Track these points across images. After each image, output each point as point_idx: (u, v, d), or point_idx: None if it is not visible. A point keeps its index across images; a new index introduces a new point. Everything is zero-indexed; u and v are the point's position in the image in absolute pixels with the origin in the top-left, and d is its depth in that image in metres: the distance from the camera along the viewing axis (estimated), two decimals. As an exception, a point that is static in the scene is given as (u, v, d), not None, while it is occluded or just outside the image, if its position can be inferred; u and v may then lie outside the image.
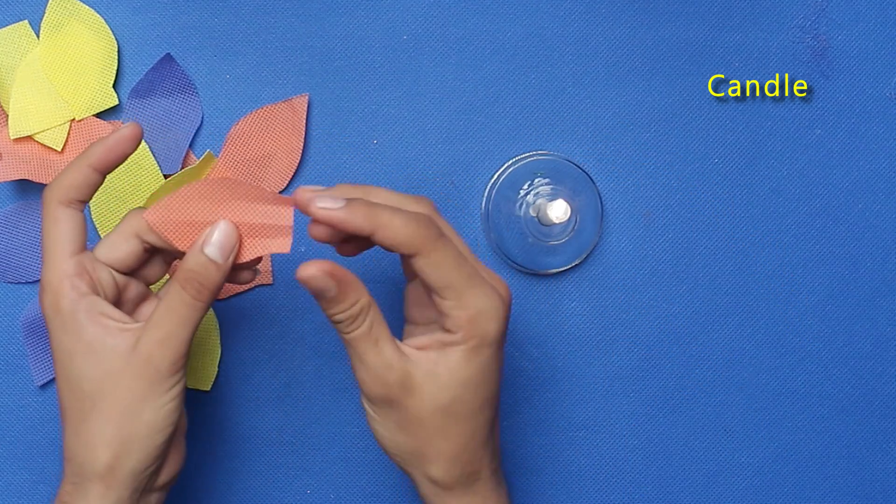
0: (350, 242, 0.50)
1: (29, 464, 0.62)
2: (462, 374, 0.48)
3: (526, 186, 0.61)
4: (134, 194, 0.61)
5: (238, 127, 0.62)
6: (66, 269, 0.48)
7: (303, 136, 0.62)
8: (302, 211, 0.48)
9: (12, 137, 0.60)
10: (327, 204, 0.46)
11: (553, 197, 0.59)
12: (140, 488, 0.49)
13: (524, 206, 0.61)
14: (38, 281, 0.62)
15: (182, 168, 0.61)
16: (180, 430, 0.50)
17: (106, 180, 0.61)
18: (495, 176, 0.62)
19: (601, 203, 0.62)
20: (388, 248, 0.47)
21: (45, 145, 0.60)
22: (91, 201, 0.61)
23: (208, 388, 0.62)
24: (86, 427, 0.48)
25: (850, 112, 0.64)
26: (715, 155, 0.64)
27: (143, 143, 0.61)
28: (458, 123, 0.63)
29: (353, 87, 0.62)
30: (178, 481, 0.61)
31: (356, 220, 0.46)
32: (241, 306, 0.62)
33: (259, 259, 0.50)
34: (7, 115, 0.60)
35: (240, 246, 0.49)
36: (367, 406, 0.50)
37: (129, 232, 0.50)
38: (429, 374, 0.48)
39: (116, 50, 0.62)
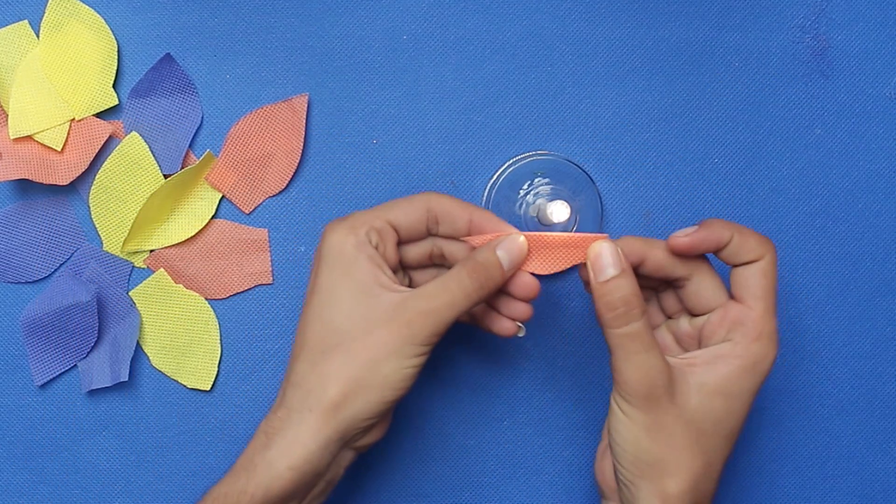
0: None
1: (29, 464, 0.62)
2: (730, 388, 0.50)
3: (526, 186, 0.61)
4: (134, 194, 0.61)
5: (238, 127, 0.62)
6: (375, 223, 0.51)
7: (303, 136, 0.62)
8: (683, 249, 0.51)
9: (12, 137, 0.60)
10: (686, 231, 0.51)
11: (553, 197, 0.59)
12: (348, 438, 0.50)
13: (524, 206, 0.61)
14: (37, 281, 0.62)
15: (182, 168, 0.61)
16: (400, 400, 0.51)
17: (106, 181, 0.61)
18: (495, 176, 0.62)
19: (601, 203, 0.62)
20: (733, 256, 0.51)
21: (45, 145, 0.60)
22: (91, 201, 0.61)
23: (208, 388, 0.62)
24: (325, 360, 0.49)
25: (850, 112, 0.64)
26: (715, 155, 0.64)
27: (142, 143, 0.61)
28: (458, 123, 0.63)
29: (353, 87, 0.63)
30: (178, 482, 0.61)
31: (717, 233, 0.51)
32: (241, 306, 0.62)
33: (530, 312, 0.54)
34: (7, 115, 0.60)
35: (539, 257, 0.52)
36: (618, 404, 0.50)
37: (423, 202, 0.53)
38: (696, 384, 0.50)
39: (116, 50, 0.62)
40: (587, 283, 0.51)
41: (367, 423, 0.50)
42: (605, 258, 0.50)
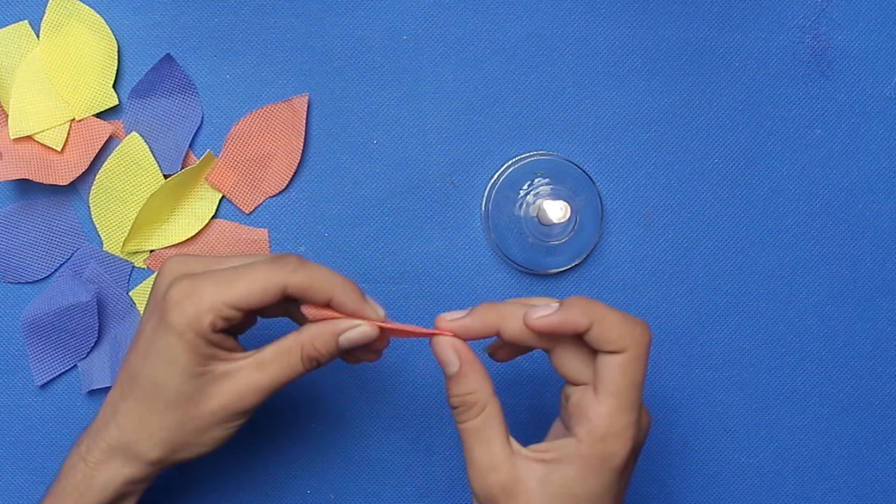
0: (505, 348, 0.52)
1: (29, 464, 0.62)
2: (574, 490, 0.47)
3: (526, 186, 0.61)
4: (134, 194, 0.61)
5: (238, 127, 0.62)
6: (222, 311, 0.48)
7: (303, 136, 0.62)
8: (487, 333, 0.49)
9: (12, 137, 0.60)
10: (542, 312, 0.47)
11: (553, 197, 0.59)
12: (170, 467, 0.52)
13: (524, 206, 0.61)
14: (37, 281, 0.62)
15: (182, 168, 0.61)
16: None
17: (106, 181, 0.61)
18: (495, 176, 0.62)
19: (601, 203, 0.62)
20: (594, 344, 0.47)
21: (45, 145, 0.60)
22: (91, 201, 0.61)
23: (208, 388, 0.62)
24: (153, 420, 0.49)
25: (850, 112, 0.64)
26: (715, 155, 0.64)
27: (142, 143, 0.61)
28: (458, 123, 0.63)
29: (353, 87, 0.63)
30: (178, 482, 0.61)
31: (573, 317, 0.47)
32: (241, 306, 0.62)
33: (387, 343, 0.52)
34: (7, 115, 0.60)
35: (389, 333, 0.51)
36: (473, 501, 0.50)
37: (277, 285, 0.48)
38: (540, 481, 0.47)
39: (116, 50, 0.62)
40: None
41: (185, 462, 0.52)
42: (444, 356, 0.49)
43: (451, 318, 0.49)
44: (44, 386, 0.62)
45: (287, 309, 0.52)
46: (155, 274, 0.61)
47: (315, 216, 0.62)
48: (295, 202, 0.62)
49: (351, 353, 0.52)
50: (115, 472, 0.50)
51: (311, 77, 0.62)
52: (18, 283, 0.62)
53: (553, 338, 0.49)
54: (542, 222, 0.59)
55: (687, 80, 0.63)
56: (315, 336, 0.50)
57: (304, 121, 0.62)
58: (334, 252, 0.62)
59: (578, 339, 0.48)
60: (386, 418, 0.62)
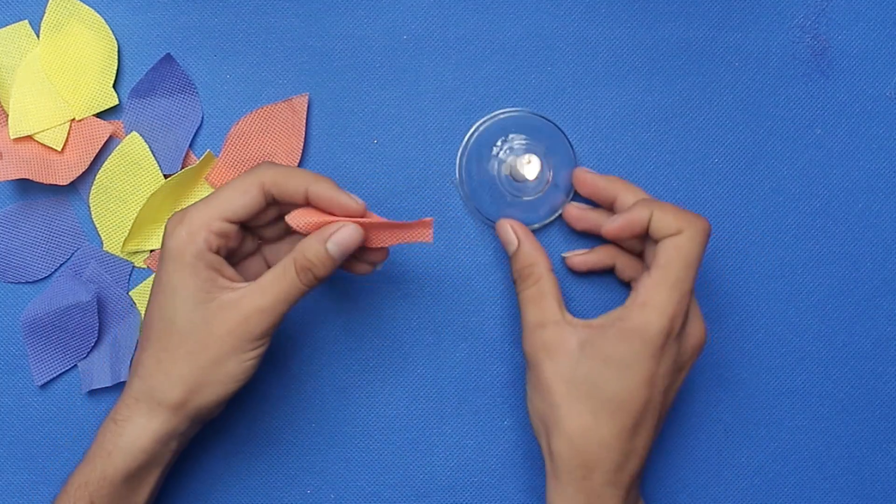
0: (583, 255, 0.60)
1: (29, 464, 0.62)
2: (605, 352, 0.52)
3: (499, 143, 0.61)
4: (134, 194, 0.61)
5: (238, 127, 0.62)
6: (213, 226, 0.51)
7: (303, 136, 0.62)
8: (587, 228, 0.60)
9: (12, 137, 0.60)
10: (614, 220, 0.55)
11: (524, 152, 0.59)
12: (194, 422, 0.52)
13: (497, 164, 0.61)
14: (37, 281, 0.62)
15: (182, 168, 0.61)
16: (244, 385, 0.53)
17: (106, 181, 0.61)
18: (468, 134, 0.62)
19: (574, 156, 0.62)
20: (655, 232, 0.53)
21: (45, 145, 0.60)
22: (91, 201, 0.61)
23: (208, 388, 0.62)
24: (169, 358, 0.51)
25: (850, 112, 0.64)
26: (715, 155, 0.64)
27: (143, 143, 0.61)
28: (458, 123, 0.63)
29: (353, 87, 0.63)
30: (178, 481, 0.61)
31: (636, 212, 0.54)
32: (241, 306, 0.62)
33: (386, 254, 0.54)
34: (7, 115, 0.60)
35: (377, 234, 0.52)
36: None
37: (254, 183, 0.51)
38: (581, 344, 0.53)
39: (116, 50, 0.62)
40: None
41: (211, 411, 0.52)
42: (505, 235, 0.58)
43: (587, 171, 0.59)
44: (44, 386, 0.62)
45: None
46: (154, 274, 0.61)
47: (315, 216, 0.62)
48: (295, 202, 0.62)
49: (351, 264, 0.55)
50: (142, 428, 0.51)
51: (311, 77, 0.62)
52: (18, 283, 0.62)
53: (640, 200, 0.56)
54: (515, 179, 0.60)
55: (687, 80, 0.63)
56: (305, 247, 0.51)
57: (304, 121, 0.62)
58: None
59: (659, 202, 0.55)
60: (386, 418, 0.62)
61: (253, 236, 0.56)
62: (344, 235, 0.51)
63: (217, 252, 0.51)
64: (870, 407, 0.64)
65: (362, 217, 0.52)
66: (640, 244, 0.58)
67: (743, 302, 0.63)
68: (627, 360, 0.51)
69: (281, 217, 0.54)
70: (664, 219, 0.53)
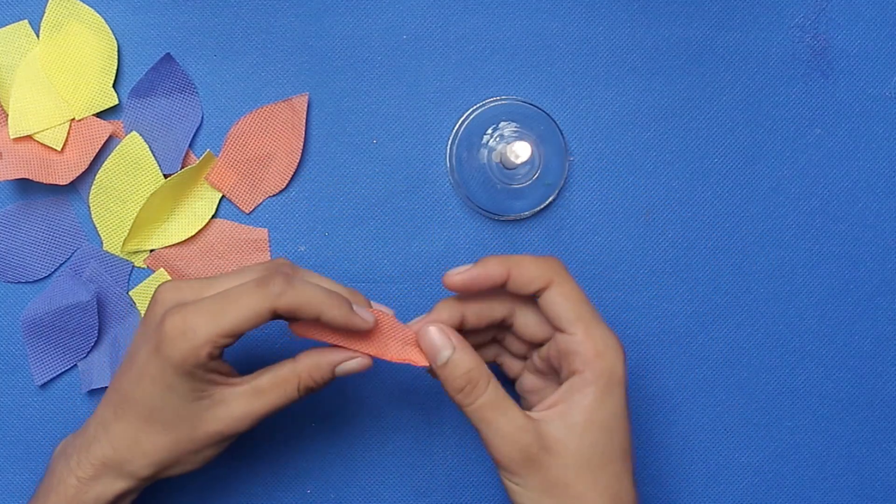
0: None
1: (29, 464, 0.61)
2: (599, 416, 0.49)
3: (490, 131, 0.61)
4: (134, 194, 0.61)
5: (238, 127, 0.62)
6: (218, 341, 0.48)
7: (302, 136, 0.62)
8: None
9: (12, 137, 0.60)
10: (458, 270, 0.51)
11: (515, 139, 0.59)
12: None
13: (488, 153, 0.61)
14: (37, 280, 0.62)
15: (182, 168, 0.61)
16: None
17: (106, 181, 0.61)
18: (459, 122, 0.62)
19: (565, 144, 0.62)
20: (520, 289, 0.50)
21: (45, 145, 0.60)
22: (91, 201, 0.61)
23: (208, 388, 0.62)
24: (148, 440, 0.50)
25: (850, 112, 0.64)
26: (715, 154, 0.64)
27: (142, 142, 0.61)
28: (457, 123, 0.63)
29: (353, 87, 0.63)
30: (178, 483, 0.61)
31: (491, 269, 0.50)
32: (241, 306, 0.62)
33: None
34: (7, 115, 0.60)
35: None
36: (506, 479, 0.50)
37: (266, 309, 0.49)
38: (565, 427, 0.49)
39: (116, 50, 0.62)
40: (432, 372, 0.52)
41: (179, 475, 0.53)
42: (435, 342, 0.50)
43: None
44: (44, 386, 0.62)
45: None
46: (154, 274, 0.61)
47: (315, 216, 0.62)
48: (295, 202, 0.62)
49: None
50: (107, 487, 0.51)
51: (311, 77, 0.62)
52: (18, 282, 0.62)
53: (504, 301, 0.52)
54: (506, 167, 0.60)
55: (687, 80, 0.63)
56: (312, 367, 0.51)
57: (304, 120, 0.62)
58: (334, 252, 0.62)
59: (533, 303, 0.52)
60: (386, 418, 0.62)
61: None
62: (353, 366, 0.51)
63: (217, 358, 0.50)
64: (870, 407, 0.64)
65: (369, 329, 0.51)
66: (493, 309, 0.53)
67: (743, 302, 0.63)
68: (619, 412, 0.49)
69: None
70: (526, 274, 0.50)
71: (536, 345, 0.54)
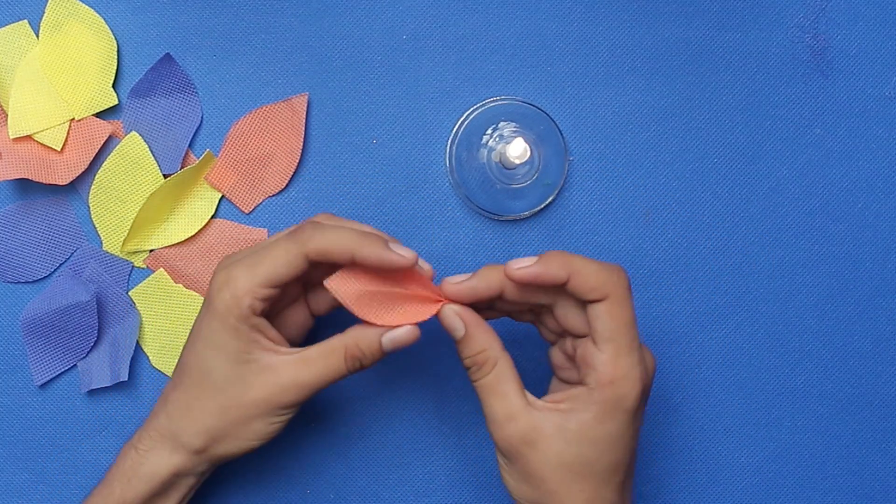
0: (492, 310, 0.54)
1: (29, 464, 0.62)
2: (591, 434, 0.49)
3: (490, 131, 0.61)
4: (134, 194, 0.61)
5: (238, 127, 0.62)
6: (257, 292, 0.50)
7: (302, 136, 0.62)
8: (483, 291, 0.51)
9: (12, 137, 0.60)
10: (522, 263, 0.50)
11: (514, 138, 0.59)
12: (215, 464, 0.54)
13: (487, 152, 0.61)
14: (37, 281, 0.62)
15: (181, 168, 0.61)
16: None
17: (105, 181, 0.61)
18: (459, 122, 0.62)
19: (565, 144, 0.62)
20: (576, 294, 0.50)
21: (44, 145, 0.60)
22: (91, 201, 0.61)
23: (208, 388, 0.62)
24: (200, 407, 0.52)
25: (850, 112, 0.64)
26: (715, 154, 0.64)
27: (142, 142, 0.61)
28: (457, 123, 0.63)
29: (353, 87, 0.63)
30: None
31: (553, 271, 0.50)
32: (241, 306, 0.62)
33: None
34: (7, 115, 0.60)
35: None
36: (497, 454, 0.52)
37: (299, 252, 0.50)
38: (558, 428, 0.50)
39: (116, 50, 0.62)
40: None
41: (228, 459, 0.53)
42: (450, 322, 0.51)
43: (455, 282, 0.51)
44: (44, 386, 0.62)
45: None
46: (153, 274, 0.61)
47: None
48: (294, 202, 0.62)
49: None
50: (163, 460, 0.53)
51: (311, 77, 0.62)
52: (18, 282, 0.62)
53: (550, 293, 0.51)
54: (505, 166, 0.60)
55: (687, 80, 0.63)
56: (359, 337, 0.51)
57: (304, 120, 0.62)
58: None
59: (578, 299, 0.51)
60: (385, 418, 0.62)
61: (297, 282, 0.55)
62: (401, 335, 0.51)
63: (262, 313, 0.51)
64: (870, 407, 0.64)
65: (413, 266, 0.50)
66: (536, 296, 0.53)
67: (743, 302, 0.63)
68: (616, 435, 0.50)
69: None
70: (585, 283, 0.49)
71: (571, 334, 0.53)
